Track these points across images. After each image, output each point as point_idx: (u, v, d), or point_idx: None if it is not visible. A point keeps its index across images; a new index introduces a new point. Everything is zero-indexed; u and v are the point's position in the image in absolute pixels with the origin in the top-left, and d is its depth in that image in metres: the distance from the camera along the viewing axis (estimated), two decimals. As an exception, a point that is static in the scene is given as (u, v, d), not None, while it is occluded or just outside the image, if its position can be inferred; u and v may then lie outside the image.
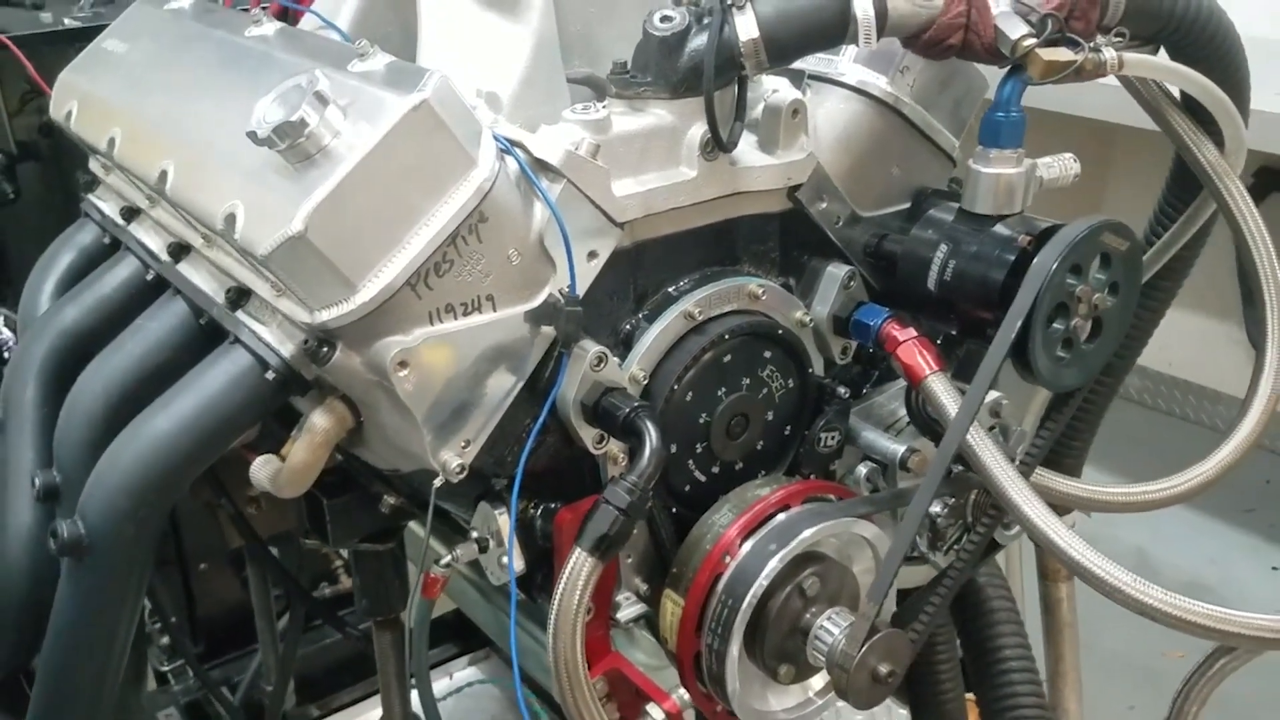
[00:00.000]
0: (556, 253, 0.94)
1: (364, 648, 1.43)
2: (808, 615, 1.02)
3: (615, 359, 0.99)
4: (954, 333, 1.11)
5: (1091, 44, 0.97)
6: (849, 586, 1.06)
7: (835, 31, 0.96)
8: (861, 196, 1.12)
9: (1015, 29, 0.96)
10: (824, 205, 1.10)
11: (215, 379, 0.96)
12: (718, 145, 0.99)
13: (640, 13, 1.00)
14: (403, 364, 0.89)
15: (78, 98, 1.25)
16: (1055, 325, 1.01)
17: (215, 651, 2.10)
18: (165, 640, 2.07)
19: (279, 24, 1.11)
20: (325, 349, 0.89)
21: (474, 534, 1.03)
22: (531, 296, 0.95)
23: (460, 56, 1.04)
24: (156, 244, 1.14)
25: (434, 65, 1.05)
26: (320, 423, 0.95)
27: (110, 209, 1.25)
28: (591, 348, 0.97)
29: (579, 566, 0.91)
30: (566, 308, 0.93)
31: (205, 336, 1.05)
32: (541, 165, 0.94)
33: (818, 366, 1.14)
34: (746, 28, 0.95)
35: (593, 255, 0.97)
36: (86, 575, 0.97)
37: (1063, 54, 0.95)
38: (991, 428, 1.20)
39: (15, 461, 1.12)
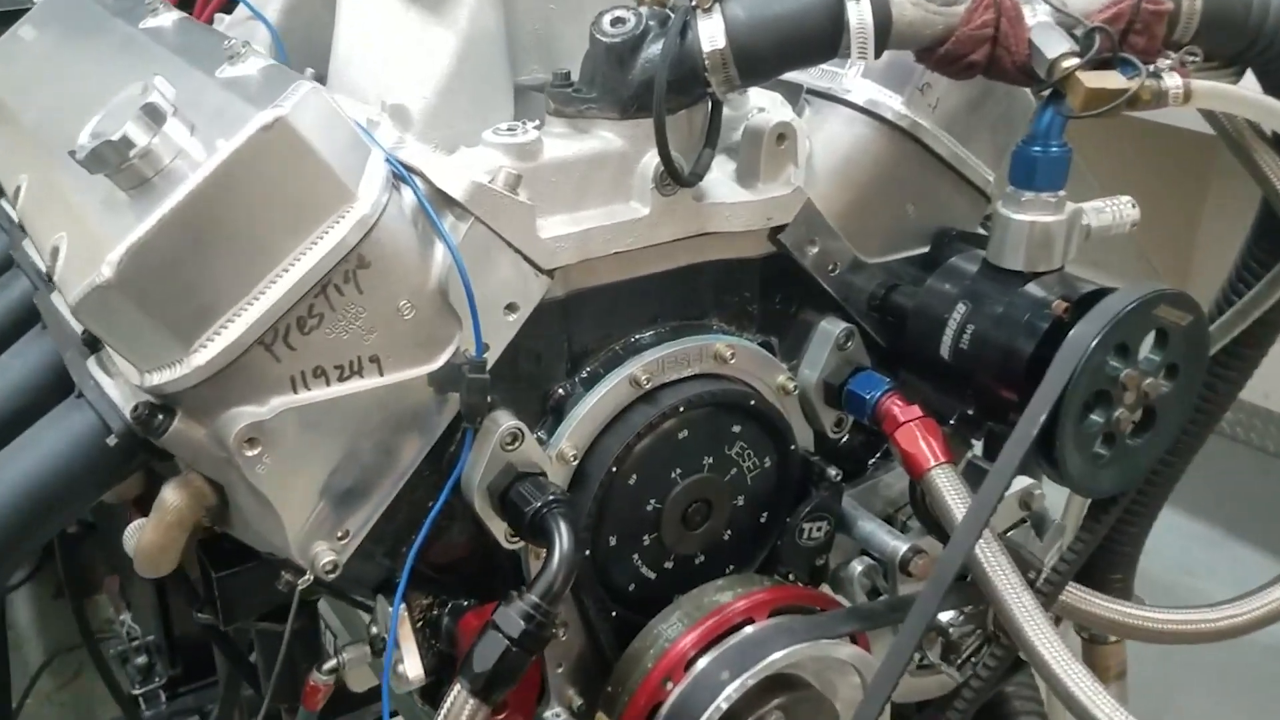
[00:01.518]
0: (461, 306, 0.76)
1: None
2: (770, 757, 0.84)
3: (535, 436, 0.81)
4: (970, 412, 0.91)
5: (1152, 66, 0.75)
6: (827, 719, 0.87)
7: (823, 43, 0.77)
8: (866, 238, 0.93)
9: (1054, 45, 0.76)
10: (815, 249, 0.90)
11: (54, 440, 0.79)
12: (672, 178, 0.80)
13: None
14: (251, 441, 0.71)
15: (-19, 91, 1.10)
16: (1093, 417, 0.81)
17: (192, 675, 1.96)
18: (140, 660, 1.95)
19: (177, 14, 0.94)
20: (160, 417, 0.72)
21: (372, 630, 0.87)
22: (431, 357, 0.77)
23: (375, 61, 0.87)
24: (44, 264, 0.99)
25: (344, 71, 0.89)
26: (171, 500, 0.78)
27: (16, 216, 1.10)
28: (504, 421, 0.79)
29: (458, 708, 0.73)
30: (470, 374, 0.75)
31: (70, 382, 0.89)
32: (446, 198, 0.76)
33: (806, 440, 0.95)
34: (712, 35, 0.76)
35: (511, 308, 0.79)
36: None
37: (1112, 79, 0.74)
38: (1022, 521, 1.00)
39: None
